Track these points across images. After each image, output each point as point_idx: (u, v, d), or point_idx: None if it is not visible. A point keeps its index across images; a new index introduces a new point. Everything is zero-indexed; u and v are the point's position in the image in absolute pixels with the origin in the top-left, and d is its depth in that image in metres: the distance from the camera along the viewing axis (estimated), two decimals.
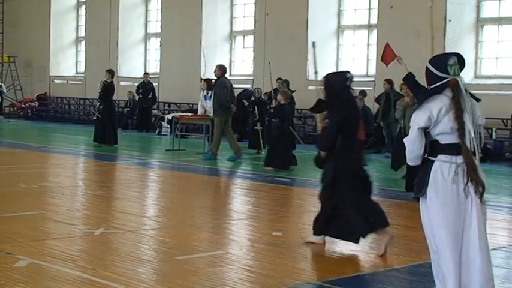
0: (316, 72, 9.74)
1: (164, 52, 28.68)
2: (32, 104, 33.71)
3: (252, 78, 25.26)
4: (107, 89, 19.93)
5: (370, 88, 21.93)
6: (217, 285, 6.39)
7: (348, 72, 8.09)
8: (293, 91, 18.46)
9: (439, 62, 5.65)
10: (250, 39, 26.46)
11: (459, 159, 5.40)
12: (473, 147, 5.42)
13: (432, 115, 5.47)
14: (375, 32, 22.81)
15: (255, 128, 19.25)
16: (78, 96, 32.14)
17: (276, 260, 7.33)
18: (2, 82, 32.30)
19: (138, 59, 30.60)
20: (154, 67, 30.01)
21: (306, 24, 23.76)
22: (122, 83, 29.03)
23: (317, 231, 8.05)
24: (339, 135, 7.79)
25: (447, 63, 5.57)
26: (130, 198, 11.44)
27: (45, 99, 33.98)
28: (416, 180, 5.61)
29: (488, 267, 5.38)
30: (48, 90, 34.02)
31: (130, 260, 7.23)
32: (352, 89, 8.12)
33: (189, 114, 21.15)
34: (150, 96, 26.92)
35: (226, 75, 17.65)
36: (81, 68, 33.26)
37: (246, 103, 22.53)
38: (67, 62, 34.01)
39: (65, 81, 33.61)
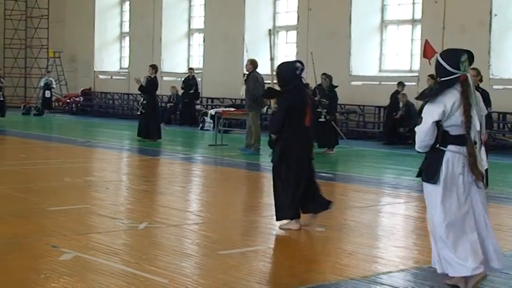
0: (271, 59, 10.27)
1: (207, 47, 28.76)
2: (77, 99, 34.03)
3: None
4: (151, 84, 20.05)
5: (414, 83, 21.76)
6: (259, 281, 6.39)
7: (299, 61, 8.72)
8: (336, 86, 18.37)
9: (451, 57, 6.06)
10: (293, 34, 26.40)
11: (465, 149, 5.96)
12: (476, 138, 6.00)
13: (446, 109, 5.94)
14: (419, 27, 22.61)
15: None
16: (122, 92, 32.39)
17: (318, 256, 7.32)
18: (48, 77, 32.63)
19: (181, 55, 30.73)
20: (197, 62, 30.11)
21: (349, 19, 23.64)
22: (165, 78, 29.18)
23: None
24: (286, 120, 8.37)
25: (459, 60, 6.01)
26: (173, 193, 11.49)
27: (89, 94, 34.29)
28: (427, 167, 6.16)
29: (494, 237, 6.19)
30: (93, 86, 34.33)
31: (173, 254, 7.27)
32: (302, 77, 8.67)
33: (232, 109, 21.18)
34: (192, 91, 27.04)
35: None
36: (125, 64, 33.49)
37: None
38: (111, 57, 34.28)
39: (109, 77, 33.88)
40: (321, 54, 22.90)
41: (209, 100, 28.62)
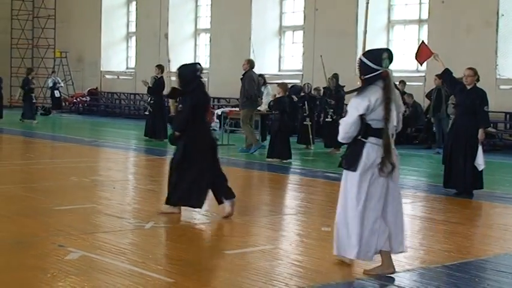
0: (169, 61, 10.76)
1: (214, 47, 28.78)
2: (83, 98, 34.08)
3: (301, 73, 25.19)
4: (158, 84, 20.06)
5: (421, 83, 21.76)
6: (266, 280, 6.39)
7: (198, 63, 9.50)
8: (342, 86, 18.37)
9: (373, 55, 6.58)
10: (299, 34, 26.40)
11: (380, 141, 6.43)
12: (392, 132, 6.50)
13: (370, 104, 6.43)
14: (425, 27, 22.59)
15: (304, 123, 19.22)
16: (129, 91, 32.42)
17: (325, 256, 7.31)
18: (55, 77, 32.69)
19: (188, 54, 30.73)
20: (203, 62, 30.10)
21: (355, 19, 23.62)
22: (172, 78, 29.17)
23: (172, 202, 9.16)
24: (191, 118, 9.00)
25: (381, 57, 6.50)
26: None
27: (96, 94, 34.34)
28: (348, 156, 6.62)
29: (402, 223, 6.71)
30: (99, 85, 34.37)
31: (180, 253, 7.27)
32: (202, 77, 9.23)
33: (238, 109, 21.17)
34: None
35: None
36: (132, 63, 33.53)
37: (295, 98, 22.50)
38: (118, 57, 34.32)
39: (116, 76, 33.92)
40: (327, 54, 22.88)
41: (215, 100, 28.61)
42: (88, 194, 11.03)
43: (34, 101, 26.87)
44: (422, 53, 13.08)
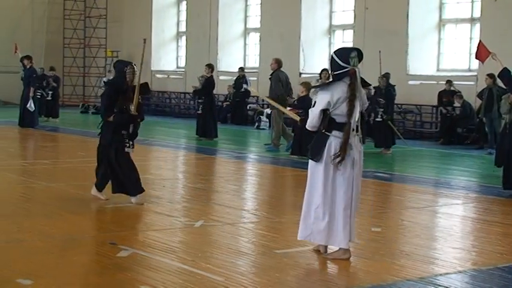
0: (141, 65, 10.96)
1: (263, 47, 28.78)
2: None
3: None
4: (208, 83, 20.15)
5: (473, 83, 21.49)
6: (315, 280, 6.37)
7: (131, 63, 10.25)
8: (393, 85, 18.23)
9: (342, 53, 6.97)
10: (349, 33, 26.27)
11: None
12: (356, 127, 6.89)
13: (332, 100, 6.87)
14: (477, 25, 22.31)
15: None
16: (179, 91, 32.59)
17: (375, 256, 7.27)
18: (105, 76, 32.97)
19: (237, 54, 30.80)
20: (253, 61, 30.15)
21: (406, 18, 23.42)
22: (221, 77, 29.28)
23: (100, 187, 9.97)
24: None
25: (349, 56, 6.88)
26: (229, 191, 11.54)
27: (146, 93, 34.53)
28: (312, 147, 7.04)
29: (355, 207, 7.15)
30: (150, 85, 34.59)
31: (229, 252, 7.29)
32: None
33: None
34: (242, 90, 27.21)
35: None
36: (182, 63, 33.70)
37: None
38: (168, 56, 34.51)
39: (166, 76, 34.13)
40: (377, 53, 22.73)
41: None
42: None
43: (49, 98, 26.68)
44: (482, 53, 12.96)
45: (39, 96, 24.25)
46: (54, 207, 9.46)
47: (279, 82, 17.52)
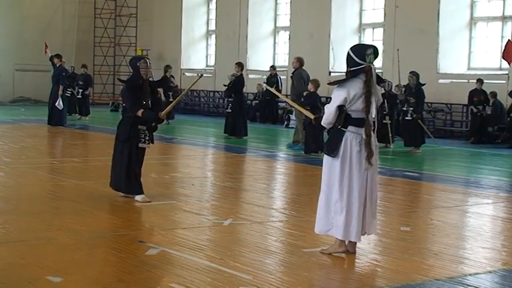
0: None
1: (292, 45, 28.74)
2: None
3: (381, 71, 24.93)
4: (237, 82, 20.18)
5: (504, 82, 21.33)
6: (344, 279, 6.36)
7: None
8: (423, 84, 18.12)
9: (359, 50, 7.05)
10: (379, 31, 26.17)
11: (363, 131, 6.99)
12: (373, 123, 7.04)
13: (349, 96, 6.95)
14: (509, 23, 22.11)
15: (384, 121, 19.04)
16: (208, 89, 32.66)
17: (404, 256, 7.23)
18: (151, 75, 33.10)
19: (267, 52, 30.81)
20: (282, 60, 30.14)
21: (437, 16, 23.29)
22: (250, 76, 29.30)
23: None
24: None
25: (365, 53, 6.97)
26: (258, 190, 11.54)
27: (176, 91, 34.63)
28: (329, 143, 7.17)
29: (375, 208, 7.27)
30: (179, 83, 34.71)
31: (257, 251, 7.29)
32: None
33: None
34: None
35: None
36: (211, 61, 33.77)
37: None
38: (197, 55, 34.60)
39: (196, 74, 34.19)
40: (407, 52, 22.62)
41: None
42: (167, 190, 11.16)
43: (79, 96, 26.74)
44: (510, 53, 12.83)
45: (68, 95, 24.43)
46: (83, 205, 9.52)
47: (301, 80, 17.62)
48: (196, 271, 6.45)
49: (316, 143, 16.08)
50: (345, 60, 7.14)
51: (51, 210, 9.27)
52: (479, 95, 21.22)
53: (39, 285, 5.95)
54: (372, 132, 7.08)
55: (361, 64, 6.97)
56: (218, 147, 18.89)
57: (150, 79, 10.01)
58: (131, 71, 10.03)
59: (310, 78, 17.29)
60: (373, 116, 7.07)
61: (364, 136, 7.00)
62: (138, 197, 9.82)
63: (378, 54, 7.07)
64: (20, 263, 6.58)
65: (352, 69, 7.03)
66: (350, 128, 7.05)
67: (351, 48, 7.12)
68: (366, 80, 6.95)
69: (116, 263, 6.65)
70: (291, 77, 18.18)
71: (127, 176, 9.83)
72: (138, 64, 9.79)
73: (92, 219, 8.65)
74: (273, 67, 27.99)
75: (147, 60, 9.87)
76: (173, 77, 27.52)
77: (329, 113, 7.08)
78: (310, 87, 16.45)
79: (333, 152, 7.08)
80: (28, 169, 12.90)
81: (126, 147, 9.87)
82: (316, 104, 15.94)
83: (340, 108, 7.02)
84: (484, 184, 12.79)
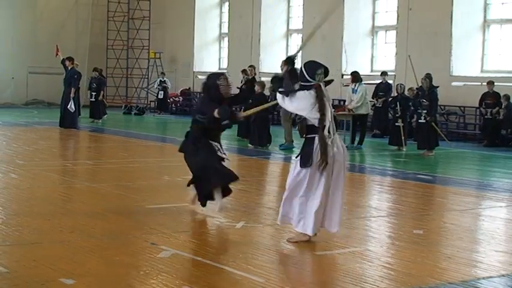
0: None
1: (305, 47, 28.65)
2: (176, 99, 34.49)
3: (394, 74, 24.89)
4: (249, 83, 20.19)
5: None
6: (356, 282, 6.34)
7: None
8: (436, 87, 18.08)
9: (311, 69, 7.82)
10: (392, 34, 26.12)
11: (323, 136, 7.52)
12: (330, 129, 7.59)
13: (310, 103, 7.58)
14: None
15: (396, 124, 19.03)
16: None
17: (417, 259, 7.21)
18: (165, 77, 33.13)
19: (279, 55, 30.78)
20: (295, 63, 30.07)
21: (450, 19, 23.23)
22: (263, 79, 29.26)
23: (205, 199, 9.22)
24: None
25: (315, 73, 7.74)
26: (270, 193, 11.54)
27: (188, 94, 34.71)
28: (302, 155, 7.62)
29: (341, 205, 7.80)
30: (192, 86, 34.76)
31: (270, 253, 7.29)
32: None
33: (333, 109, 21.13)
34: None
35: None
36: (224, 64, 33.79)
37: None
38: (210, 58, 34.64)
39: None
40: (420, 55, 22.58)
41: None
42: (180, 193, 11.14)
43: (93, 99, 26.78)
44: None
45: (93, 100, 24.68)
46: (96, 207, 9.53)
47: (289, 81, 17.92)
48: (209, 274, 6.45)
49: (260, 138, 17.99)
50: (298, 72, 7.91)
51: (64, 212, 9.29)
52: (491, 97, 21.16)
53: (52, 287, 5.96)
54: (333, 135, 7.65)
55: (311, 81, 7.70)
56: (230, 149, 18.85)
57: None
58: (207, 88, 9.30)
59: (258, 81, 18.59)
60: (330, 120, 7.62)
61: (322, 141, 7.50)
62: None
63: (328, 73, 7.85)
64: (33, 265, 6.59)
65: (303, 84, 7.73)
66: (315, 135, 7.58)
67: (304, 64, 7.94)
68: (317, 96, 7.60)
69: (128, 266, 6.66)
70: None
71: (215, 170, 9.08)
72: (218, 82, 9.09)
73: (104, 222, 8.66)
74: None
75: (228, 76, 9.17)
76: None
77: (283, 105, 7.88)
78: (257, 88, 17.30)
79: (307, 163, 7.55)
80: (41, 171, 12.94)
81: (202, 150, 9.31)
82: (263, 103, 16.14)
83: (300, 117, 7.77)
84: (497, 187, 12.74)
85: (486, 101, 21.28)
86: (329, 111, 7.66)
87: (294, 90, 7.71)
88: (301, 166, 7.62)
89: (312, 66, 7.87)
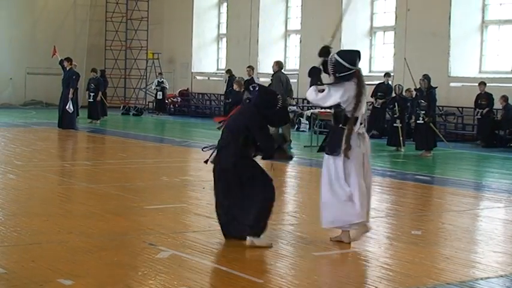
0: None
1: (304, 49, 28.73)
2: (175, 99, 34.49)
3: (392, 74, 24.89)
4: (248, 84, 20.24)
5: None
6: (355, 283, 6.34)
7: None
8: (435, 87, 18.09)
9: (348, 56, 7.72)
10: (390, 35, 26.13)
11: (358, 128, 7.60)
12: (362, 120, 7.65)
13: (343, 98, 7.56)
14: None
15: (394, 125, 19.04)
16: (219, 93, 32.69)
17: (415, 259, 7.21)
18: (163, 78, 33.11)
19: (277, 56, 30.79)
20: (293, 64, 30.13)
21: (448, 20, 23.24)
22: (261, 79, 29.29)
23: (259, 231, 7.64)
24: None
25: (355, 59, 7.64)
26: None
27: (187, 95, 34.72)
28: (329, 143, 7.70)
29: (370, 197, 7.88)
30: (190, 86, 34.77)
31: (268, 254, 7.29)
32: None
33: (329, 110, 21.10)
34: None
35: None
36: (222, 65, 33.79)
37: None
38: (208, 58, 34.64)
39: (207, 78, 34.25)
40: (419, 55, 22.59)
41: (305, 101, 28.57)
42: (178, 193, 11.17)
43: (91, 100, 26.78)
44: None
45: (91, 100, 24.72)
46: (94, 208, 9.53)
47: (280, 83, 18.49)
48: (207, 274, 6.45)
49: None
50: (332, 67, 7.68)
51: (62, 213, 9.28)
52: (483, 99, 21.22)
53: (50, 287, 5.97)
54: (363, 126, 7.77)
55: (351, 69, 7.58)
56: None
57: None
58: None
59: (236, 79, 19.01)
60: (363, 113, 7.71)
61: (353, 131, 7.57)
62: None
63: (360, 58, 7.73)
64: (31, 265, 6.59)
65: (342, 74, 7.58)
66: (348, 126, 7.58)
67: (338, 54, 7.72)
68: (358, 82, 7.58)
69: (126, 266, 6.66)
70: (271, 79, 19.06)
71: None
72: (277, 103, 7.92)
73: (102, 222, 8.66)
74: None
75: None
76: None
77: (321, 101, 7.86)
78: (235, 87, 17.80)
79: (335, 150, 7.59)
80: (39, 172, 12.93)
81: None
82: (241, 102, 16.27)
83: (338, 107, 7.66)
84: (495, 188, 12.75)
85: (479, 102, 21.32)
86: (364, 101, 7.70)
87: (336, 82, 7.63)
88: (328, 153, 7.69)
89: (349, 55, 7.83)
